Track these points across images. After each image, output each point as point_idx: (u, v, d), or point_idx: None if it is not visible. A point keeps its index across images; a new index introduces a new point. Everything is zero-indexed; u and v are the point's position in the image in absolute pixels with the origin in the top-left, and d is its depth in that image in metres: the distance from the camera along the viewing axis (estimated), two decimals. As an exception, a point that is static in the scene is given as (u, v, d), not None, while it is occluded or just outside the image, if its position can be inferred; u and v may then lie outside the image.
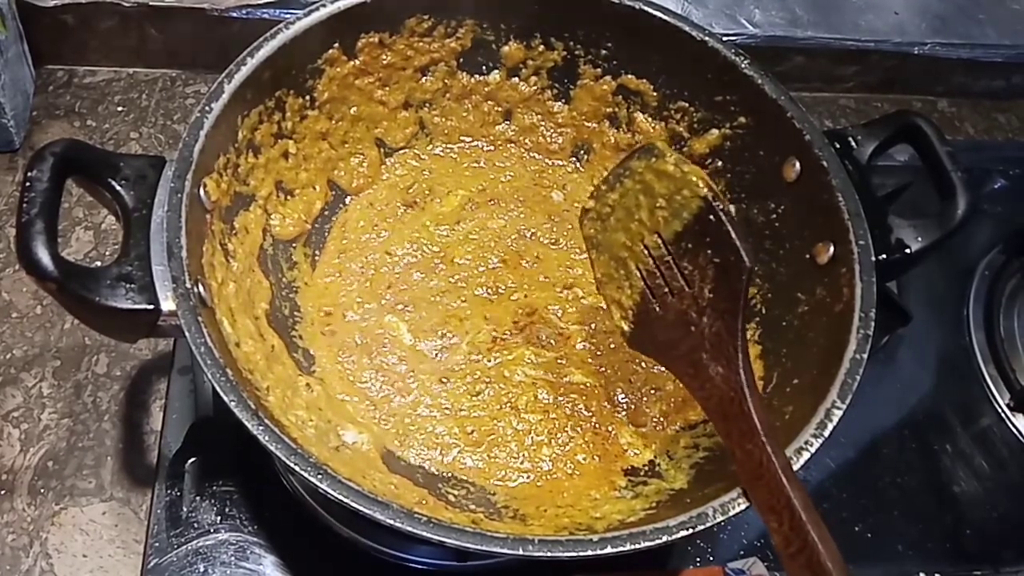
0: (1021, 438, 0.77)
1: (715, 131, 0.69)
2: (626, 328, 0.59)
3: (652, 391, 0.66)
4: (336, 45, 0.66)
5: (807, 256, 0.61)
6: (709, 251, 0.52)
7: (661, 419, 0.65)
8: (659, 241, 0.55)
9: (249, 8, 0.84)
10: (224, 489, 0.63)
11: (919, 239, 0.59)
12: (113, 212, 0.55)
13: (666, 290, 0.55)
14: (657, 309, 0.56)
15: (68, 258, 0.48)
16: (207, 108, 0.56)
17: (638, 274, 0.57)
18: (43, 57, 0.85)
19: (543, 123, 0.77)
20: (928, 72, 1.01)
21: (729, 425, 0.50)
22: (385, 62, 0.69)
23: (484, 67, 0.73)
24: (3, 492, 0.64)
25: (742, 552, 0.66)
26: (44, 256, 0.47)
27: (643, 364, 0.67)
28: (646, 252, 0.57)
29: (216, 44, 0.86)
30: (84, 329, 0.71)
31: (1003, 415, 0.78)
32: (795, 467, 0.49)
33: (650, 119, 0.73)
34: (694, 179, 0.53)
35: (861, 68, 0.99)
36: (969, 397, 0.79)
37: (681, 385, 0.56)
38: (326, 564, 0.62)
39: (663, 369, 0.66)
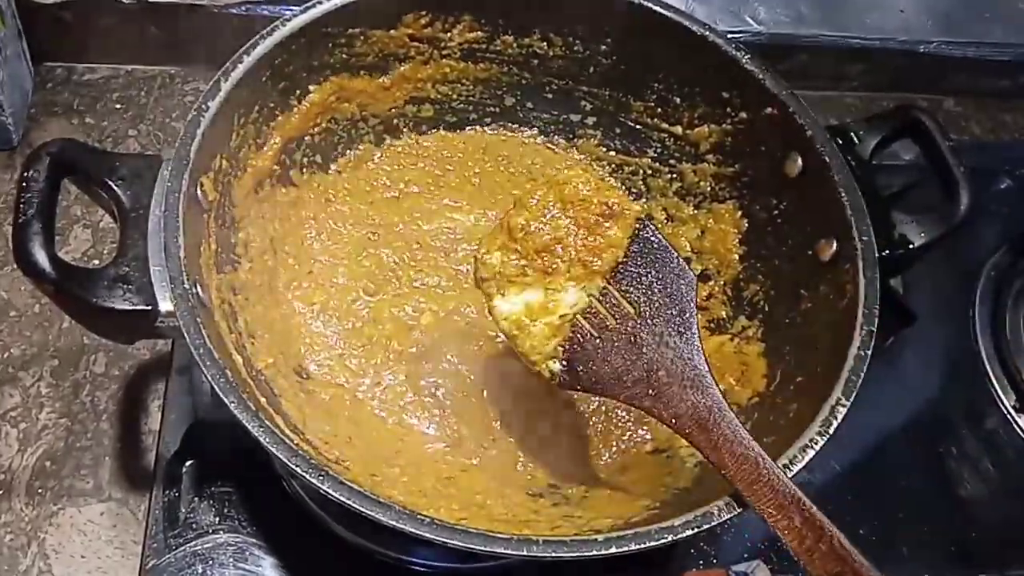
0: (1027, 440, 0.76)
1: (716, 127, 0.69)
2: (556, 368, 0.55)
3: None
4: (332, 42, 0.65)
5: (810, 252, 0.61)
6: (650, 271, 0.53)
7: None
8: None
9: (248, 4, 0.84)
10: (222, 490, 0.63)
11: (922, 234, 0.59)
12: (110, 212, 0.54)
13: (607, 318, 0.53)
14: (598, 340, 0.53)
15: (66, 257, 0.48)
16: (203, 107, 0.56)
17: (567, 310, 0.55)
18: (42, 54, 0.85)
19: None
20: (934, 71, 1.00)
21: (711, 435, 0.49)
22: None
23: (482, 62, 0.72)
24: (1, 492, 0.64)
25: (746, 555, 0.65)
26: (41, 257, 0.47)
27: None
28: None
29: (215, 41, 0.85)
30: (82, 328, 0.70)
31: (1009, 417, 0.77)
32: (800, 464, 0.49)
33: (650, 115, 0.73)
34: (622, 205, 0.54)
35: (866, 67, 0.99)
36: (975, 399, 0.78)
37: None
38: (325, 566, 0.62)
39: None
